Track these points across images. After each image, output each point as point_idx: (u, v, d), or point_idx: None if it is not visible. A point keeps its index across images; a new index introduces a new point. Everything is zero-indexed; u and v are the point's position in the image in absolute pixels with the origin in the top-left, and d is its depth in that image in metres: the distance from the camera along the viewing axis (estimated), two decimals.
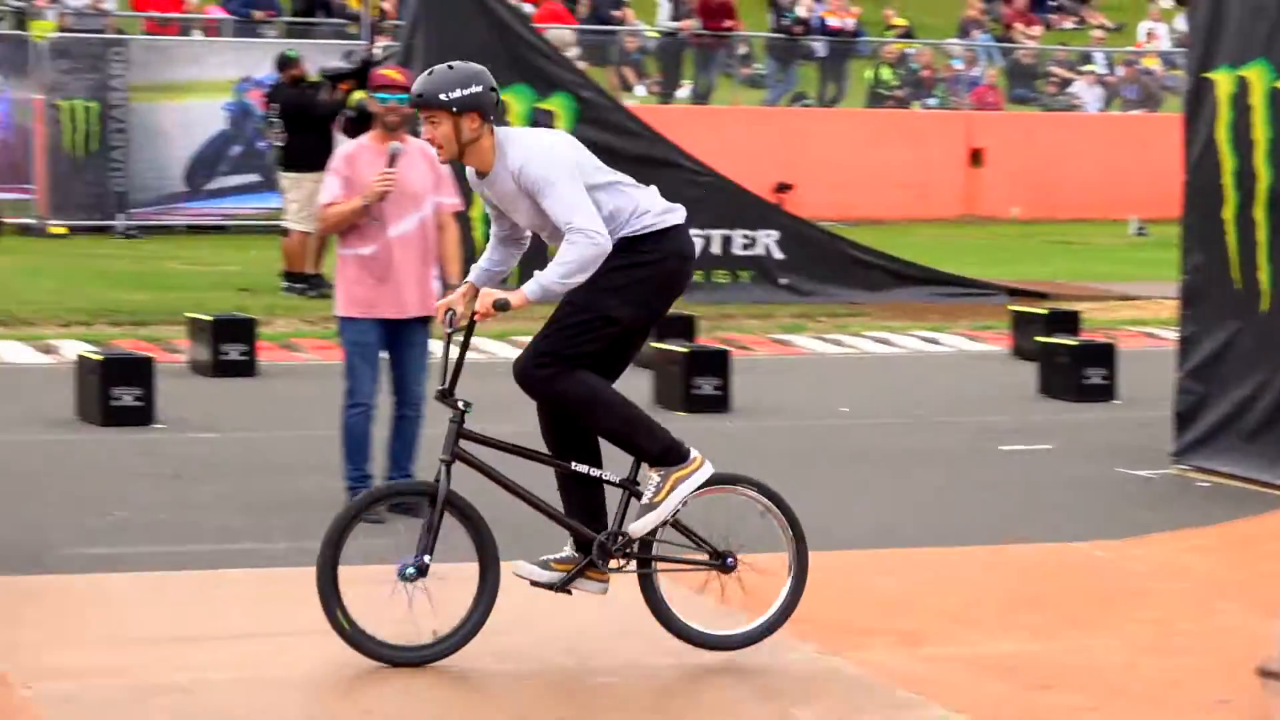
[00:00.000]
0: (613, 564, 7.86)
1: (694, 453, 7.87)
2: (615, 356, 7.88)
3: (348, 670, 7.61)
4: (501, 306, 7.57)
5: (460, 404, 7.75)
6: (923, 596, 8.92)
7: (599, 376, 7.77)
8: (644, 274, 7.75)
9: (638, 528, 7.79)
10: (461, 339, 7.80)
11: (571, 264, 7.53)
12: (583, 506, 7.92)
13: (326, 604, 7.59)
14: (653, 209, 7.80)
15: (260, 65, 24.20)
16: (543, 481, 7.95)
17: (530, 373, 7.72)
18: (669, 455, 7.83)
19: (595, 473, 7.87)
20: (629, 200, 7.78)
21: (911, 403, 14.77)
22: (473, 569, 7.76)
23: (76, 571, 9.26)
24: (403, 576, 7.63)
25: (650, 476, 7.84)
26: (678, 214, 7.86)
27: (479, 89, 7.67)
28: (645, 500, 7.80)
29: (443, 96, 7.62)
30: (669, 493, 7.78)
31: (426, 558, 7.63)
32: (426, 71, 7.78)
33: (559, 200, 7.58)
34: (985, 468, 12.40)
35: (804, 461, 12.30)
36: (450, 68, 7.74)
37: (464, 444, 7.76)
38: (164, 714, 7.10)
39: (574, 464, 7.85)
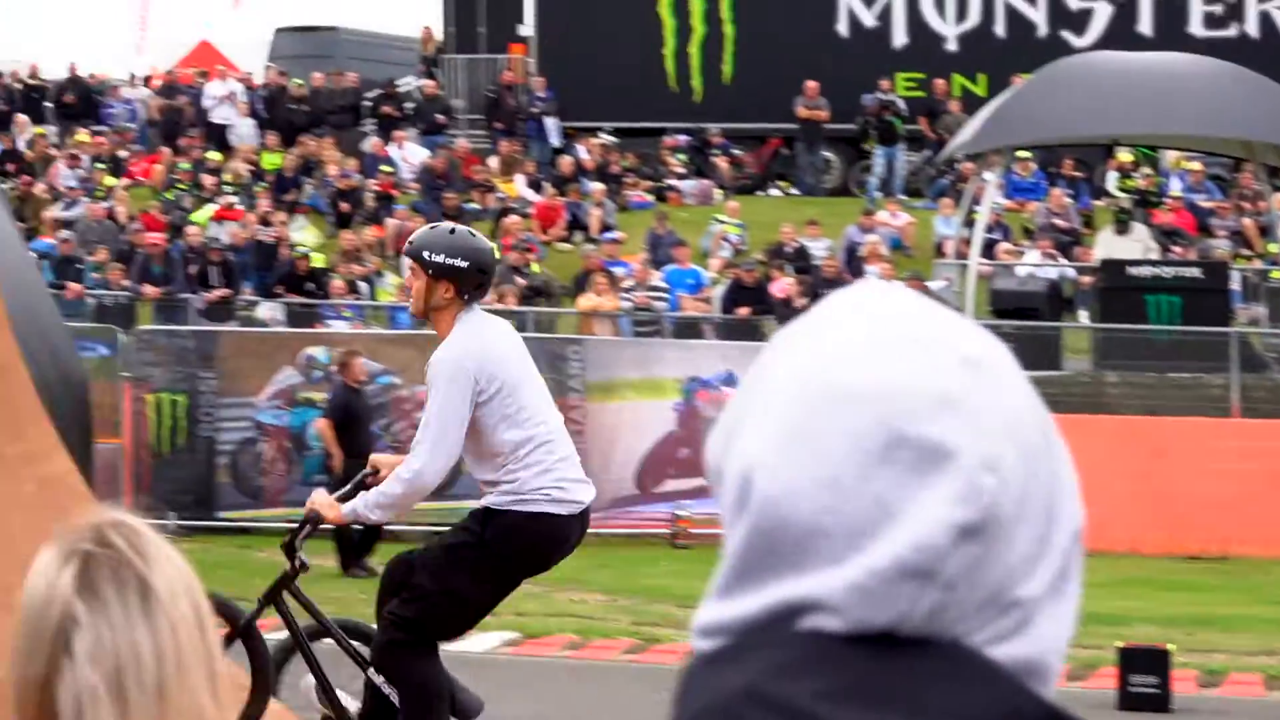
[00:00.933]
0: None
1: None
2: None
3: None
4: (313, 521, 8.07)
5: (298, 561, 8.26)
6: None
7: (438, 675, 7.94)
8: (502, 557, 7.75)
9: None
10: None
11: (391, 498, 7.78)
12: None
13: None
14: (543, 485, 7.74)
15: (707, 365, 24.33)
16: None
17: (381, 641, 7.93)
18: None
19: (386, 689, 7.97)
20: (532, 457, 7.72)
21: None
22: None
23: None
24: None
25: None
26: (568, 503, 7.79)
27: (464, 264, 7.74)
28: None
29: (425, 255, 7.80)
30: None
31: None
32: (430, 226, 8.21)
33: (427, 409, 7.71)
34: None
35: None
36: (451, 232, 7.95)
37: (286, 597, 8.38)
38: None
39: (371, 672, 8.01)
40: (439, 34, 36.15)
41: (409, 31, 38.01)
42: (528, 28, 34.91)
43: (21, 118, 33.76)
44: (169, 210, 29.87)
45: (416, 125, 33.45)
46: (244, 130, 33.66)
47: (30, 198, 29.86)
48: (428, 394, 7.72)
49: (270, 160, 32.14)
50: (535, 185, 31.53)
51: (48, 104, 35.19)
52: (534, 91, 33.75)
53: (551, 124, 33.49)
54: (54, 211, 29.40)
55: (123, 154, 33.12)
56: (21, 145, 33.00)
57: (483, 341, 7.75)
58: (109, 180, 31.29)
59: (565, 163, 32.02)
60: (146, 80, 36.53)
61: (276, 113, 33.87)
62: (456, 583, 7.71)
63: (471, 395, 7.60)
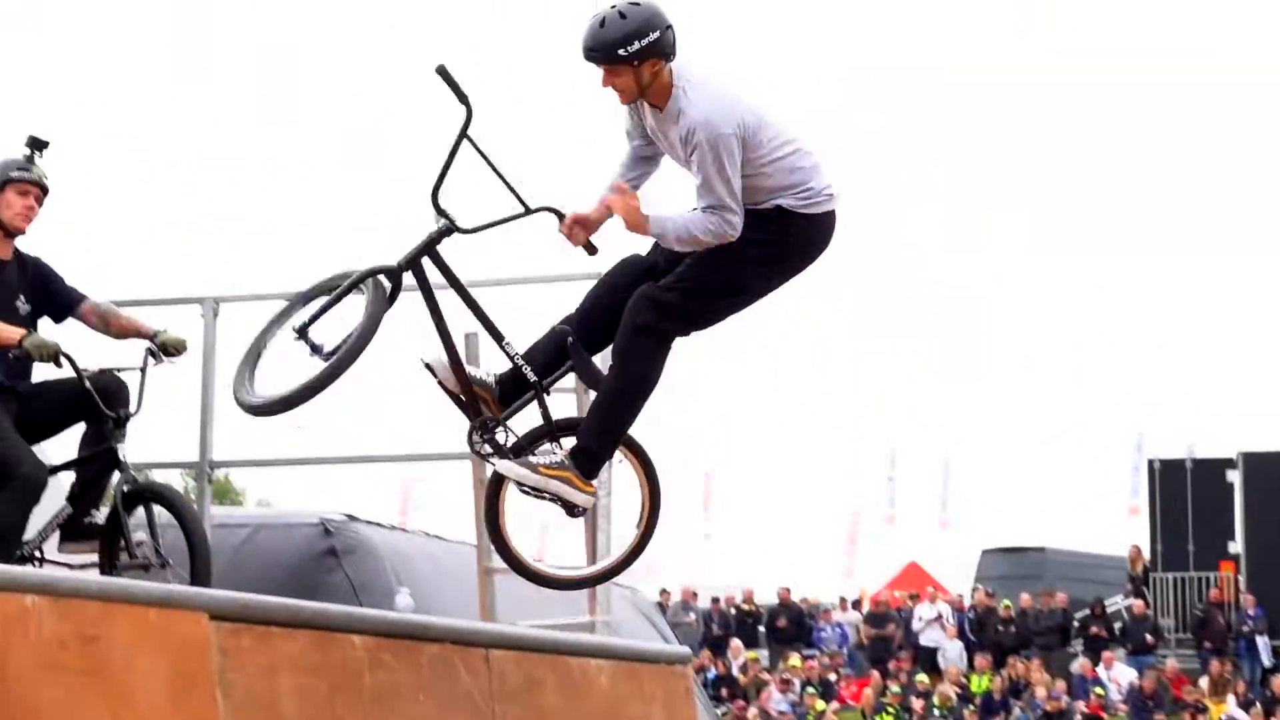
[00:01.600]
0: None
1: (598, 484, 7.56)
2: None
3: None
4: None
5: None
6: None
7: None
8: (783, 250, 7.45)
9: (505, 466, 7.50)
10: None
11: (694, 232, 7.28)
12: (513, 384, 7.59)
13: None
14: (815, 185, 7.44)
15: None
16: None
17: (642, 305, 7.39)
18: (593, 464, 7.51)
19: (533, 377, 7.54)
20: (800, 175, 7.41)
21: None
22: None
23: None
24: None
25: (554, 451, 7.54)
26: (833, 197, 7.50)
27: (655, 35, 7.15)
28: (535, 459, 7.49)
29: (620, 52, 7.16)
30: (551, 479, 7.45)
31: None
32: (597, 20, 7.20)
33: (708, 182, 7.25)
34: None
35: None
36: (622, 15, 7.16)
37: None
38: None
39: (526, 367, 7.53)
40: (1147, 553, 35.86)
41: (1117, 550, 37.83)
42: (1237, 544, 34.32)
43: (736, 642, 34.81)
44: None
45: (1125, 645, 33.02)
46: (952, 653, 33.83)
47: None
48: (691, 161, 7.41)
49: (978, 683, 32.15)
50: (1246, 705, 30.53)
51: (761, 628, 36.20)
52: (1244, 609, 32.98)
53: (1262, 643, 32.57)
54: None
55: (832, 677, 33.68)
56: (735, 670, 33.97)
57: (722, 89, 7.43)
58: (819, 704, 31.81)
59: (1277, 683, 30.96)
60: (856, 603, 37.24)
61: (984, 634, 33.97)
62: (737, 278, 7.50)
63: (737, 154, 7.41)
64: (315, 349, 7.42)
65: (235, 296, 10.59)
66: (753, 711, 31.47)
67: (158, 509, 8.68)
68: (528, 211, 7.49)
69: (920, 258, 63.73)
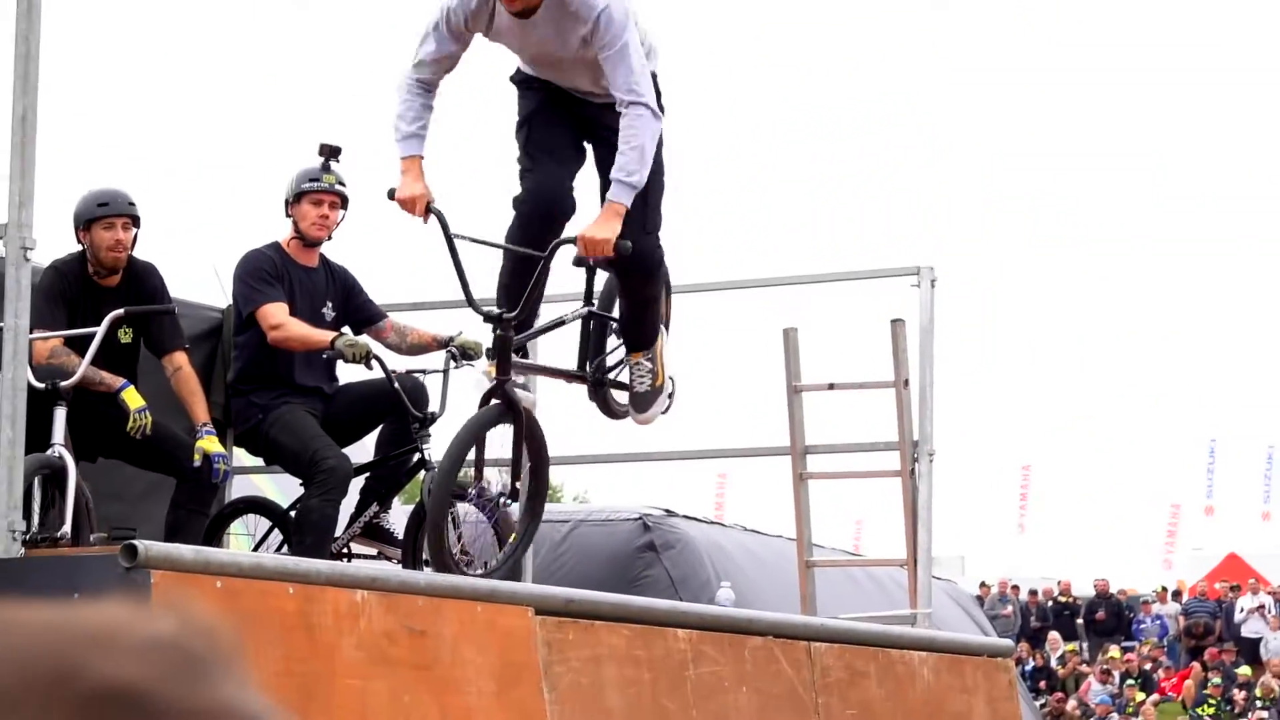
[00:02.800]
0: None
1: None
2: None
3: None
4: (623, 251, 7.30)
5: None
6: None
7: None
8: None
9: (654, 410, 8.04)
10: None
11: (647, 147, 7.20)
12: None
13: None
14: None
15: None
16: None
17: (650, 252, 7.57)
18: (654, 335, 7.95)
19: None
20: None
21: None
22: None
23: None
24: None
25: (640, 364, 7.95)
26: None
27: None
28: (644, 387, 7.94)
29: None
30: (661, 368, 8.00)
31: None
32: None
33: (628, 63, 7.14)
34: None
35: None
36: None
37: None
38: None
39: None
40: None
41: None
42: None
43: (1054, 635, 34.40)
44: None
45: None
46: (1275, 644, 33.04)
47: (1062, 714, 30.21)
48: (601, 55, 7.31)
49: None
50: None
51: (1079, 620, 35.74)
52: None
53: None
54: None
55: (1151, 669, 33.11)
56: (1053, 662, 33.56)
57: None
58: (1139, 696, 31.30)
59: None
60: (1175, 594, 36.59)
61: None
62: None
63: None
64: (494, 500, 7.89)
65: None
66: (1071, 704, 31.06)
67: (463, 508, 8.79)
68: (548, 257, 7.64)
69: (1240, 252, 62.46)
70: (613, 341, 8.20)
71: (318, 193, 8.98)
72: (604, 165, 7.63)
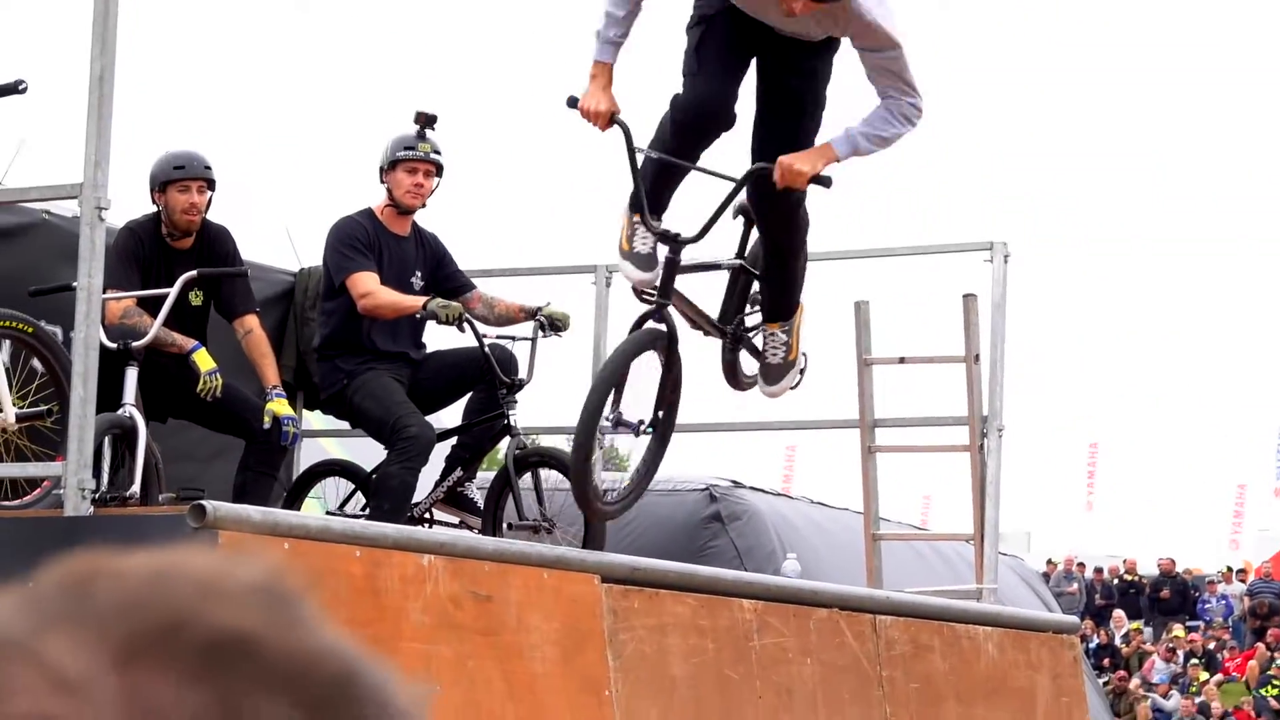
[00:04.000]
0: None
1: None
2: None
3: None
4: (825, 185, 7.20)
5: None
6: None
7: None
8: None
9: (784, 384, 8.03)
10: None
11: (890, 140, 7.11)
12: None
13: None
14: None
15: None
16: None
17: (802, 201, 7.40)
18: (795, 306, 7.85)
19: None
20: None
21: None
22: None
23: None
24: None
25: (775, 335, 7.86)
26: None
27: None
28: (778, 359, 7.88)
29: None
30: (797, 342, 7.92)
31: None
32: None
33: (903, 75, 7.08)
34: None
35: None
36: None
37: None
38: None
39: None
40: None
41: None
42: None
43: (1119, 613, 34.27)
44: (1260, 707, 29.37)
45: None
46: None
47: (1125, 692, 30.12)
48: (880, 53, 7.14)
49: None
50: None
51: (1143, 599, 35.60)
52: None
53: None
54: (1147, 707, 29.49)
55: (1215, 649, 32.97)
56: (1118, 640, 33.44)
57: None
58: (1202, 675, 31.17)
59: None
60: (1240, 574, 36.40)
61: None
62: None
63: None
64: (634, 427, 7.69)
65: None
66: (1134, 682, 30.94)
67: (545, 473, 8.80)
68: (741, 182, 7.47)
69: None
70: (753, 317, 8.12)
71: (413, 161, 8.98)
72: (766, 80, 7.43)
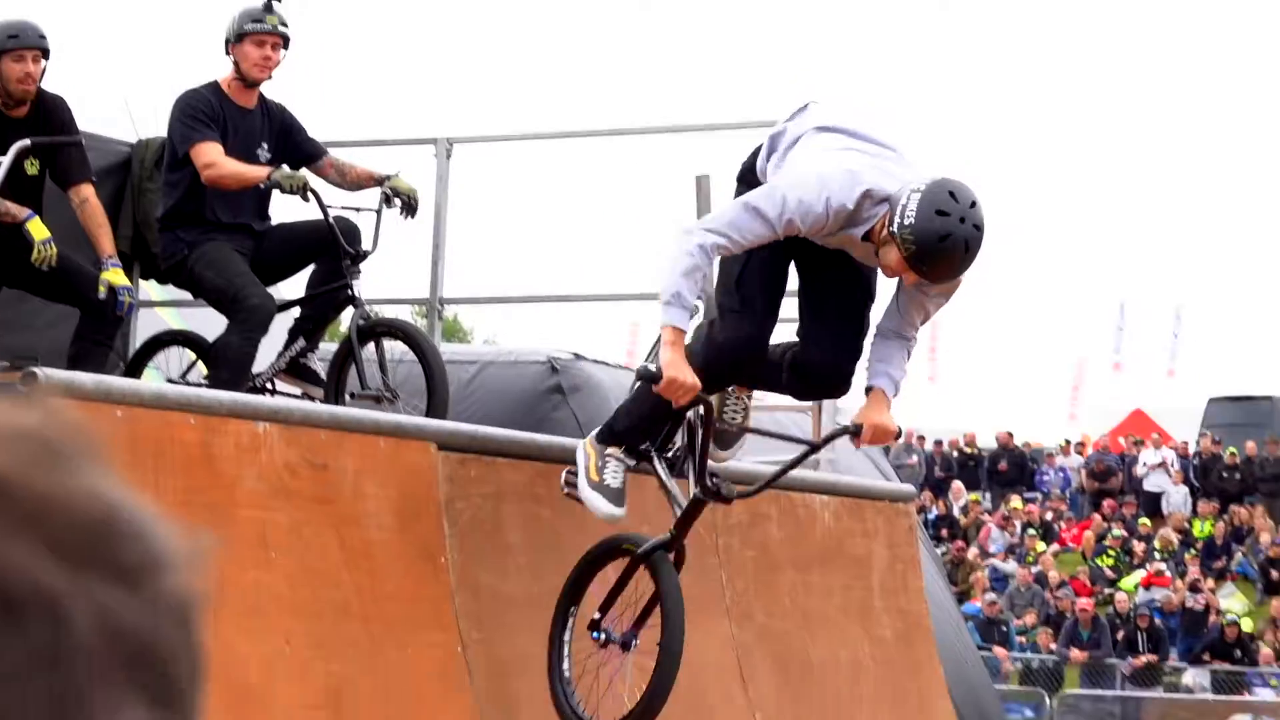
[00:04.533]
0: None
1: None
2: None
3: None
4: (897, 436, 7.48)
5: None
6: None
7: None
8: None
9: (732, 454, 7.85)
10: None
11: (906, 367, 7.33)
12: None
13: None
14: None
15: None
16: None
17: (847, 372, 7.36)
18: None
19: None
20: None
21: None
22: None
23: None
24: None
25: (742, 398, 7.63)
26: None
27: None
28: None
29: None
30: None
31: None
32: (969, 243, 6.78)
33: (927, 316, 7.25)
34: None
35: None
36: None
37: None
38: None
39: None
40: None
41: None
42: None
43: (957, 484, 34.77)
44: (1095, 577, 30.04)
45: None
46: (1176, 498, 33.54)
47: (962, 562, 30.65)
48: (929, 296, 7.21)
49: (1201, 528, 31.87)
50: None
51: (982, 471, 36.13)
52: None
53: None
54: (984, 574, 30.05)
55: (1053, 520, 33.57)
56: (956, 511, 33.97)
57: None
58: (1039, 546, 31.75)
59: None
60: (1079, 447, 37.02)
61: (1209, 480, 33.62)
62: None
63: None
64: (622, 643, 7.30)
65: (468, 138, 10.64)
66: (972, 551, 31.46)
67: (389, 344, 8.81)
68: (816, 447, 7.82)
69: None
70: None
71: (261, 34, 8.92)
72: (815, 275, 7.27)
